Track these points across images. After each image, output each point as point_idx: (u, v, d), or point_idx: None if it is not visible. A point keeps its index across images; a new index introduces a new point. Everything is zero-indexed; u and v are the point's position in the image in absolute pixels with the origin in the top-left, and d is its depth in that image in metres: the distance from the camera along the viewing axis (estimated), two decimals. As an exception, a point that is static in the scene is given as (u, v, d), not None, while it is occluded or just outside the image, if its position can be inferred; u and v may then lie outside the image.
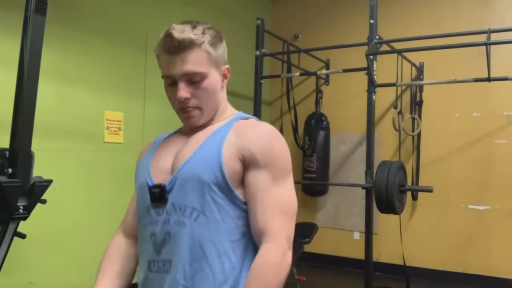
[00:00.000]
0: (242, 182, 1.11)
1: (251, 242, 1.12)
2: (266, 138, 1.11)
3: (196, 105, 1.15)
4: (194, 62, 1.11)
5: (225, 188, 1.08)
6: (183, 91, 1.12)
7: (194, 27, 1.13)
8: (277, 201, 1.08)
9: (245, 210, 1.11)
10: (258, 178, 1.08)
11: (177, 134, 1.27)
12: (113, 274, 1.23)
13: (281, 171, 1.10)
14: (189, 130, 1.22)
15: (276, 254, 1.04)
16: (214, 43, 1.15)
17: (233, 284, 1.08)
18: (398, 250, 4.14)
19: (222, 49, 1.19)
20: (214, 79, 1.17)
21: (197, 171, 1.09)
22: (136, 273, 1.27)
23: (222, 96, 1.23)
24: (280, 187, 1.09)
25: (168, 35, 1.10)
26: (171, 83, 1.15)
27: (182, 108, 1.15)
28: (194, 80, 1.13)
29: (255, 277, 1.04)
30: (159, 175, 1.15)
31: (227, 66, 1.22)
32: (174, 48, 1.10)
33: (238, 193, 1.10)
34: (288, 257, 1.06)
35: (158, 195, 1.11)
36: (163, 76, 1.17)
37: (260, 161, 1.08)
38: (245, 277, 1.08)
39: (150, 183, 1.14)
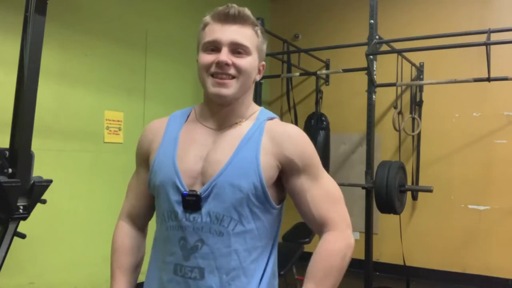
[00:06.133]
0: (273, 184, 1.13)
1: (274, 236, 1.18)
2: (300, 144, 1.14)
3: (234, 75, 1.11)
4: (245, 36, 1.12)
5: (262, 198, 1.10)
6: (226, 56, 1.10)
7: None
8: (325, 193, 1.15)
9: (273, 213, 1.14)
10: (301, 181, 1.13)
11: (198, 125, 1.18)
12: (129, 269, 1.23)
13: (317, 167, 1.16)
14: (214, 123, 1.17)
15: (339, 241, 1.12)
16: (263, 34, 1.19)
17: (261, 283, 1.13)
18: (398, 250, 4.14)
19: (265, 46, 1.21)
20: (254, 63, 1.15)
21: (236, 180, 1.07)
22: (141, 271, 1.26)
23: (251, 92, 1.21)
24: (322, 180, 1.15)
25: (228, 6, 1.12)
26: (212, 49, 1.12)
27: (217, 73, 1.10)
28: (239, 51, 1.11)
29: (319, 263, 1.11)
30: (188, 179, 1.11)
31: (264, 63, 1.22)
32: (230, 16, 1.11)
33: (271, 197, 1.12)
34: (352, 239, 1.14)
35: (192, 203, 1.08)
36: (206, 42, 1.12)
37: (300, 167, 1.12)
38: (271, 271, 1.16)
39: (184, 191, 1.09)
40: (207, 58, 1.11)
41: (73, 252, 3.19)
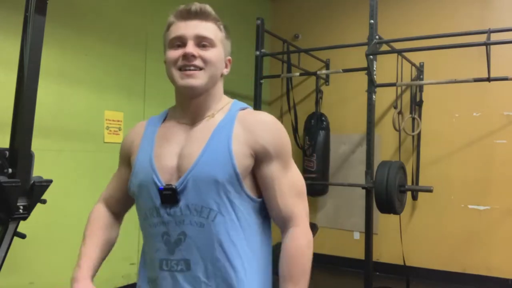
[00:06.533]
0: (248, 174, 1.14)
1: (261, 231, 1.18)
2: (274, 131, 1.16)
3: (201, 66, 1.14)
4: (208, 29, 1.17)
5: (237, 186, 1.11)
6: (192, 48, 1.14)
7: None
8: (292, 185, 1.16)
9: (254, 204, 1.15)
10: (272, 169, 1.14)
11: (173, 124, 1.22)
12: (102, 242, 1.27)
13: (288, 156, 1.18)
14: (187, 119, 1.20)
15: (305, 236, 1.15)
16: (226, 30, 1.23)
17: (252, 275, 1.13)
18: (398, 250, 4.14)
19: (230, 41, 1.25)
20: (220, 55, 1.19)
21: (210, 171, 1.09)
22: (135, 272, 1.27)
23: (220, 85, 1.23)
24: (290, 170, 1.17)
25: (189, 5, 1.17)
26: (178, 45, 1.16)
27: (185, 65, 1.14)
28: (204, 43, 1.15)
29: (292, 263, 1.13)
30: (165, 175, 1.14)
31: (229, 57, 1.25)
32: (192, 13, 1.16)
33: (246, 187, 1.13)
34: (311, 233, 1.17)
35: (169, 197, 1.11)
36: (172, 38, 1.17)
37: (272, 154, 1.14)
38: (261, 265, 1.16)
39: (160, 185, 1.12)
40: (174, 53, 1.16)
41: (73, 252, 3.17)
